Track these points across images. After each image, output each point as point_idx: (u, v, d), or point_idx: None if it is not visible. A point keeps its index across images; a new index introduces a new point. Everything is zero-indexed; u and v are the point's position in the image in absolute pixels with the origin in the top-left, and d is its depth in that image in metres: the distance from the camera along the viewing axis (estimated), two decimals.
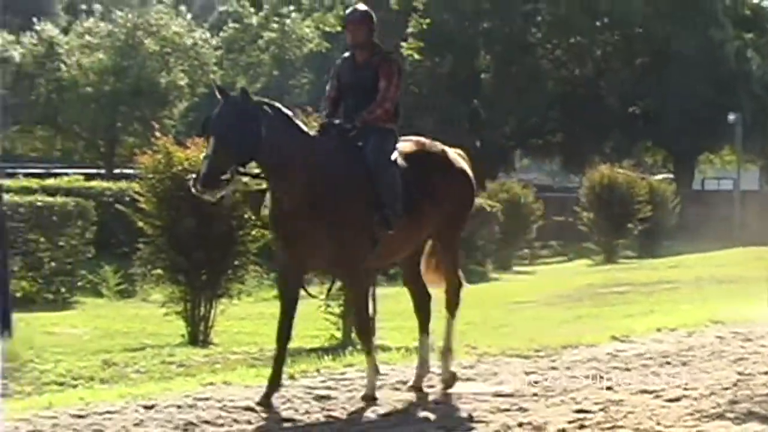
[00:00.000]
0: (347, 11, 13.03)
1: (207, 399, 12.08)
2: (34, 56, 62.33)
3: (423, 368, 13.03)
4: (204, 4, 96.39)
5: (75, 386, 14.71)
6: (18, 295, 18.48)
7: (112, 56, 61.99)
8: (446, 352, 13.10)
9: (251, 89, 53.69)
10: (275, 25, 64.89)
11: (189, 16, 69.10)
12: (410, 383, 12.92)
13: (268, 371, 13.07)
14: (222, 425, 10.92)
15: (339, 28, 60.33)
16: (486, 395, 12.57)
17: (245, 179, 11.81)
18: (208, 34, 68.05)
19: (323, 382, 13.12)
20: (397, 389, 12.87)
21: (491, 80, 61.41)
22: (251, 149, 11.25)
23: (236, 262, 21.50)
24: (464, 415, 11.81)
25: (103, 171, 58.78)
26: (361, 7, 12.98)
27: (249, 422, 11.12)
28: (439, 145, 13.17)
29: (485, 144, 62.82)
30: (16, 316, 18.27)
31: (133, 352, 18.12)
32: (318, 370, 13.84)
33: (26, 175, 44.47)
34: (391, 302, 21.55)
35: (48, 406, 11.34)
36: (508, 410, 11.85)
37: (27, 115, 60.97)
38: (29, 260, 27.14)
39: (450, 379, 12.96)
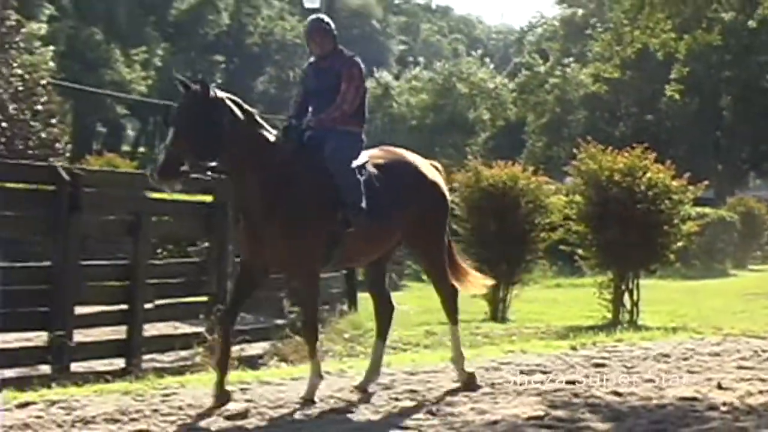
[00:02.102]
0: (308, 21, 10.60)
1: (508, 363, 11.97)
2: (374, 96, 63.75)
3: (373, 372, 10.52)
4: (502, 56, 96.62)
5: (405, 350, 14.75)
6: (360, 278, 18.69)
7: (432, 96, 63.21)
8: (458, 359, 10.87)
9: (537, 124, 53.39)
10: (558, 73, 64.52)
11: (491, 65, 69.58)
12: (356, 384, 10.38)
13: (556, 343, 12.89)
14: (521, 384, 10.72)
15: (616, 75, 60.62)
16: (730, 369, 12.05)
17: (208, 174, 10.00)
18: (506, 80, 68.44)
19: (599, 352, 12.83)
20: (657, 360, 12.38)
21: (731, 116, 59.97)
22: (212, 143, 9.20)
23: (528, 257, 21.59)
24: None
25: None
26: (323, 16, 10.66)
27: (541, 383, 10.89)
28: (410, 155, 10.83)
29: (726, 167, 61.49)
30: (359, 295, 18.45)
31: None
32: (594, 343, 13.57)
33: None
34: (649, 291, 21.14)
35: (387, 364, 11.32)
36: (750, 380, 11.22)
37: (367, 141, 62.42)
38: None
39: (469, 380, 10.62)
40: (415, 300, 24.25)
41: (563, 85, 63.90)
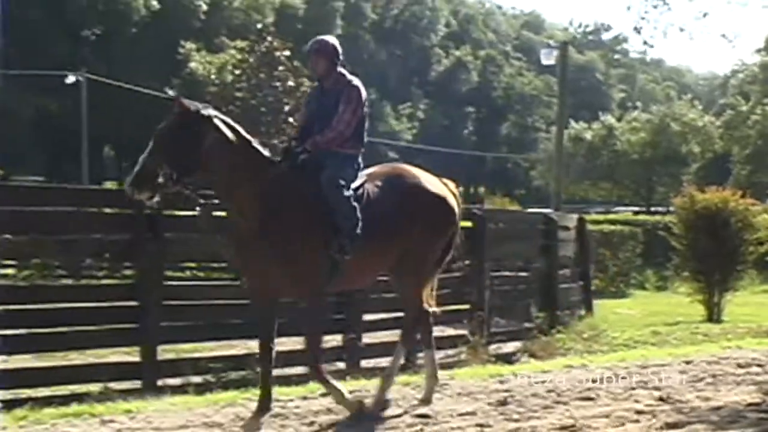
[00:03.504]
0: (310, 42, 8.76)
1: (726, 358, 11.57)
2: (599, 136, 63.06)
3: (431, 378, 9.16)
4: (709, 99, 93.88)
5: (635, 347, 14.41)
6: (593, 288, 18.50)
7: (650, 135, 61.92)
8: (389, 380, 8.88)
9: (742, 154, 51.34)
10: (759, 111, 62.37)
11: (700, 107, 67.89)
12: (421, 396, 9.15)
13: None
14: (738, 375, 10.34)
15: None
16: None
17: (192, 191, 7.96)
18: (713, 118, 66.73)
19: None
20: None
21: None
22: (187, 159, 7.61)
23: (738, 267, 21.17)
24: None
25: (644, 209, 58.65)
26: (324, 38, 8.80)
27: (757, 374, 10.45)
28: (414, 171, 8.90)
29: None
30: (594, 302, 18.24)
31: (671, 326, 17.67)
32: None
33: (596, 212, 45.73)
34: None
35: (621, 359, 11.09)
36: None
37: (595, 173, 61.97)
38: (599, 266, 27.00)
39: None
40: (640, 305, 23.95)
41: (764, 121, 61.81)
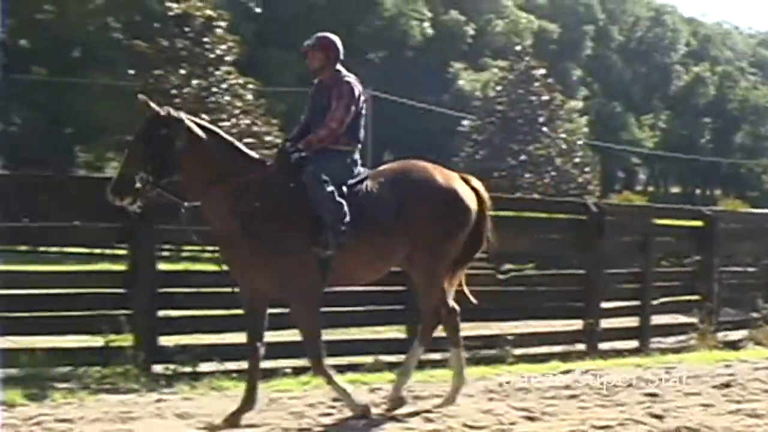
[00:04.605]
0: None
1: None
2: None
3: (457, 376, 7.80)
4: None
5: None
6: None
7: None
8: (404, 379, 7.68)
9: None
10: None
11: None
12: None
13: None
14: None
15: None
16: None
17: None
18: None
19: None
20: None
21: None
22: (162, 162, 6.74)
23: None
24: None
25: None
26: (323, 34, 7.58)
27: None
28: (425, 165, 7.61)
29: None
30: None
31: None
32: None
33: None
34: None
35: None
36: None
37: None
38: None
39: (398, 402, 7.57)
40: None
41: None
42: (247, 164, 7.10)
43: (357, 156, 7.48)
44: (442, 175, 7.56)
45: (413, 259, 7.46)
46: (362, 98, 7.49)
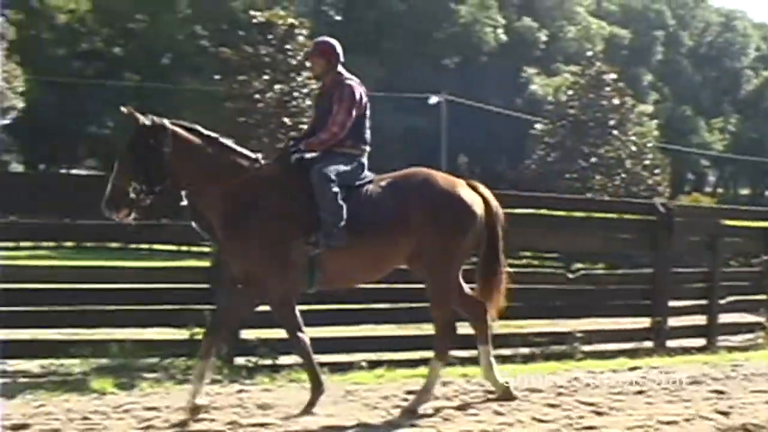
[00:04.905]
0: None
1: None
2: None
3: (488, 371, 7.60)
4: None
5: None
6: None
7: None
8: (433, 379, 7.33)
9: None
10: None
11: None
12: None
13: None
14: None
15: None
16: None
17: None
18: None
19: None
20: None
21: None
22: (151, 169, 6.66)
23: None
24: None
25: None
26: (323, 38, 7.48)
27: None
28: (429, 172, 7.29)
29: None
30: None
31: None
32: None
33: None
34: None
35: None
36: None
37: None
38: None
39: (422, 400, 7.24)
40: None
41: None
42: (240, 163, 7.00)
43: (365, 159, 7.28)
44: (445, 181, 7.28)
45: (417, 263, 7.17)
46: (364, 100, 7.31)
